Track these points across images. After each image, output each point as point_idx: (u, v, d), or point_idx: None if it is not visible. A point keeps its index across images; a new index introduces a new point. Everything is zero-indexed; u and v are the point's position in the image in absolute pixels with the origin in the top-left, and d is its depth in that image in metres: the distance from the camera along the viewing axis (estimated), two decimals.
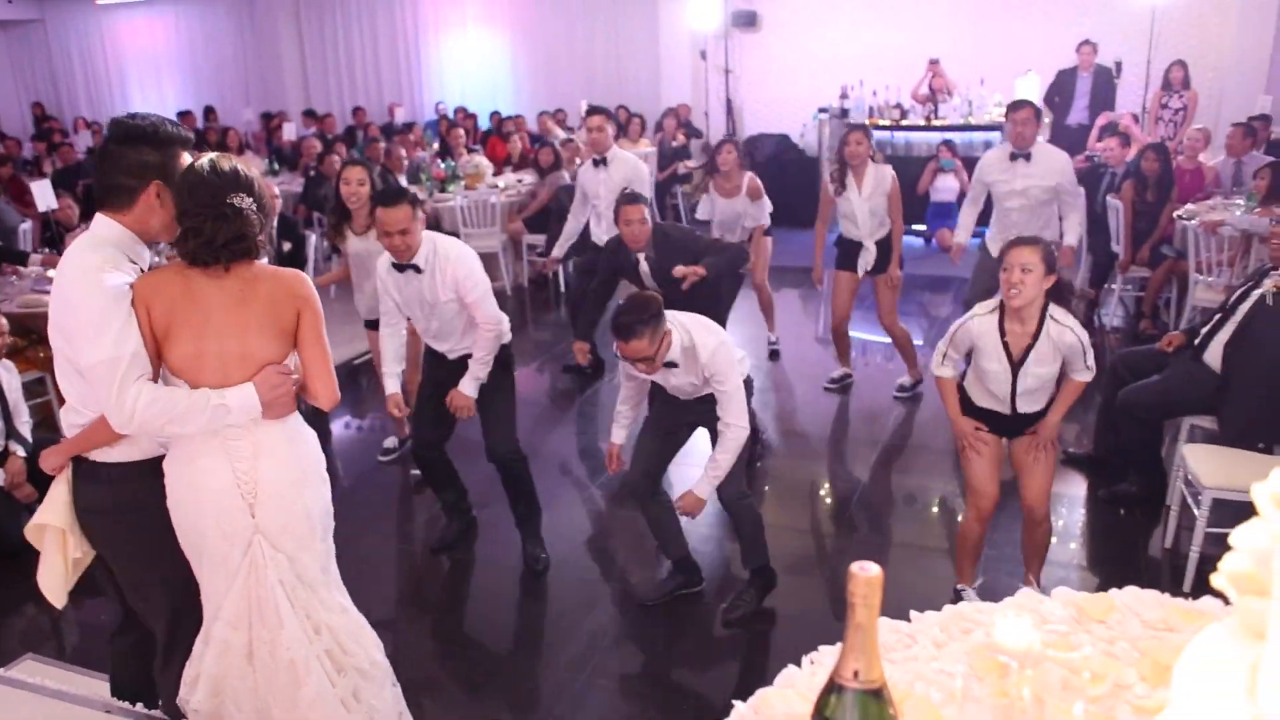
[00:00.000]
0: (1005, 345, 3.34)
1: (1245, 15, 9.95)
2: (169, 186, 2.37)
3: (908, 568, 4.16)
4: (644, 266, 4.64)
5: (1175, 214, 6.67)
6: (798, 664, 1.52)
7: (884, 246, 5.67)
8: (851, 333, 6.07)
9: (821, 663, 1.48)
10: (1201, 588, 1.34)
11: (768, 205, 6.34)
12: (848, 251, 5.76)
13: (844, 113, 10.52)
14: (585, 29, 13.23)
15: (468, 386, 3.97)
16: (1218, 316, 4.32)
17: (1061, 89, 9.83)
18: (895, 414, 5.77)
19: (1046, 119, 9.96)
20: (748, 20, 11.95)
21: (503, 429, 4.10)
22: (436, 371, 4.19)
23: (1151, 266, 6.87)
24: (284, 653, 2.42)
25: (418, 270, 3.87)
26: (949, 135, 9.97)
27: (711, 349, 3.46)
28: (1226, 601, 1.07)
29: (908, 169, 10.08)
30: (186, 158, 2.42)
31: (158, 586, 2.54)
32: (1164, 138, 8.71)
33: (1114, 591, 1.64)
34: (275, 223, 6.45)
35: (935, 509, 4.68)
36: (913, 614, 1.66)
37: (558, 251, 6.52)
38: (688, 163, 11.39)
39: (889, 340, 6.02)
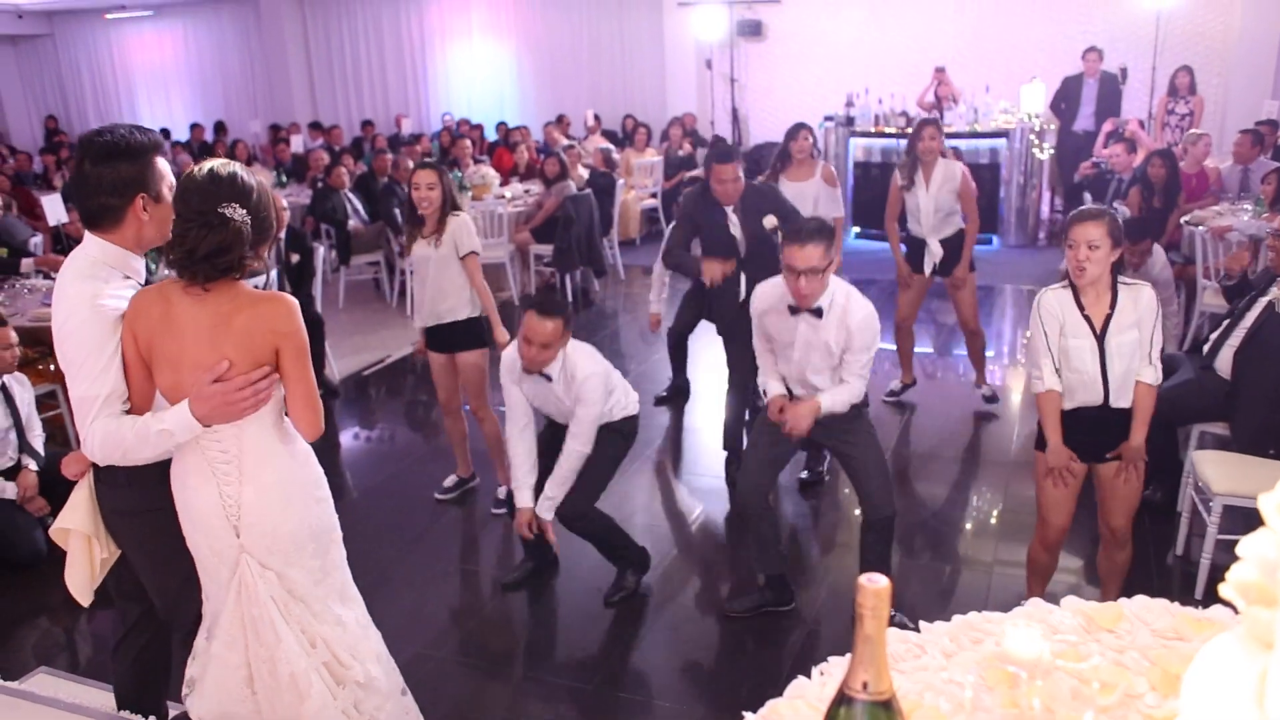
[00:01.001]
0: (1086, 318, 3.23)
1: (1249, 21, 9.95)
2: (152, 196, 2.35)
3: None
4: (733, 217, 4.64)
5: (1182, 219, 6.67)
6: (808, 675, 1.53)
7: (952, 245, 5.63)
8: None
9: (831, 674, 1.49)
10: (1213, 595, 1.34)
11: (840, 197, 6.15)
12: (914, 250, 5.73)
13: (849, 120, 10.53)
14: (591, 39, 13.29)
15: (543, 509, 3.83)
16: (1226, 323, 4.31)
17: (1067, 95, 9.84)
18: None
19: (1052, 126, 9.98)
20: (753, 29, 11.98)
21: (584, 494, 3.89)
22: (559, 435, 3.97)
23: None
24: (284, 668, 2.42)
25: (548, 379, 3.79)
26: (954, 142, 9.97)
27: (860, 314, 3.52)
28: (1237, 610, 1.07)
29: None
30: (162, 163, 2.40)
31: (182, 585, 2.56)
32: (1170, 143, 8.70)
33: (1123, 600, 1.64)
34: (284, 235, 6.51)
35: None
36: (922, 624, 1.66)
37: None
38: (693, 173, 11.41)
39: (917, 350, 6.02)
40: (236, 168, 2.32)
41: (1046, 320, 3.28)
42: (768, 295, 3.64)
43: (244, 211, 2.23)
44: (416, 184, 4.47)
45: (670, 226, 5.03)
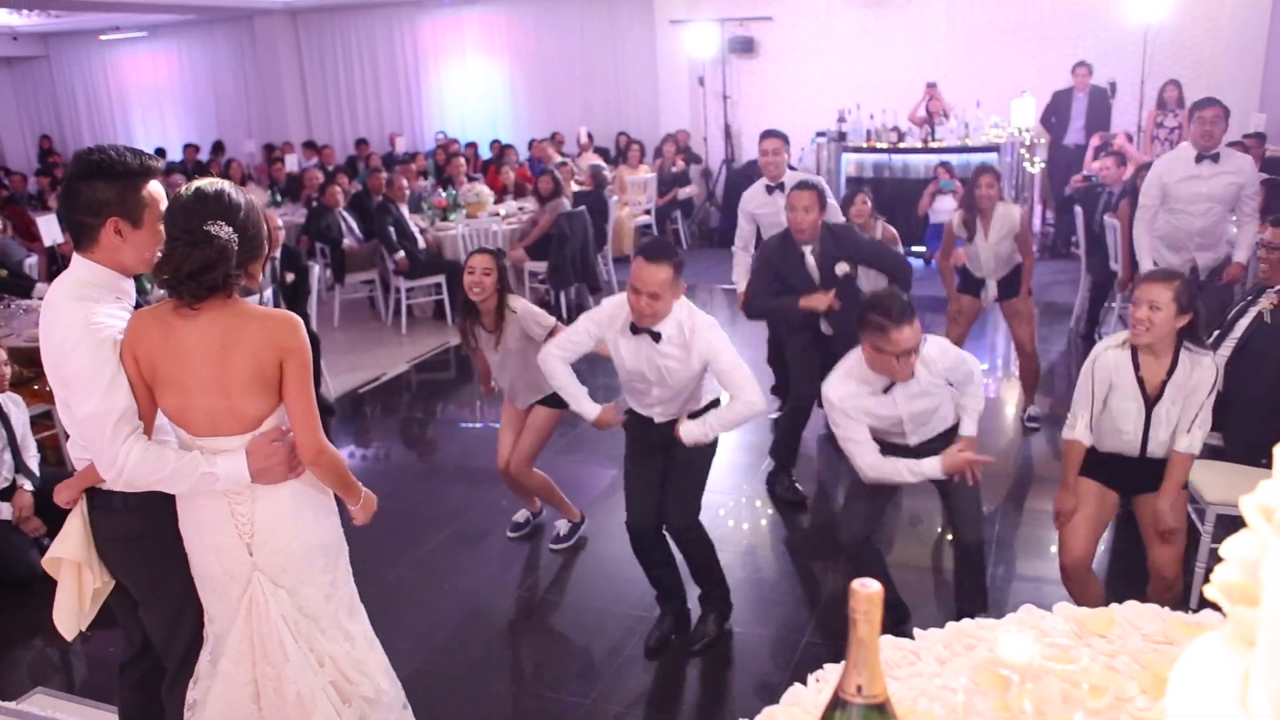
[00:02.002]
0: (1140, 381, 3.22)
1: (1236, 34, 10.05)
2: (129, 220, 2.32)
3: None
4: (810, 259, 4.59)
5: None
6: (804, 683, 1.54)
7: (1009, 277, 5.54)
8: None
9: (827, 680, 1.50)
10: (1207, 605, 1.37)
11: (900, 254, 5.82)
12: (970, 281, 5.65)
13: (842, 136, 10.60)
14: (584, 56, 13.37)
15: (689, 430, 3.52)
16: (1216, 334, 4.34)
17: (1058, 110, 9.92)
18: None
19: (1043, 140, 10.06)
20: (745, 46, 12.07)
21: (688, 498, 3.65)
22: (646, 436, 3.69)
23: None
24: (290, 687, 2.42)
25: (655, 338, 3.43)
26: (946, 157, 10.04)
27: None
28: (1224, 613, 1.09)
29: (906, 191, 10.18)
30: (150, 190, 2.35)
31: (177, 611, 2.56)
32: (1159, 155, 8.76)
33: (1114, 606, 1.66)
34: (279, 254, 6.53)
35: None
36: (916, 631, 1.68)
37: (742, 285, 5.58)
38: (687, 189, 11.49)
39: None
40: (224, 185, 2.31)
41: (1098, 378, 3.28)
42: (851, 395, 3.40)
43: (230, 229, 2.22)
44: (471, 268, 4.15)
45: (747, 277, 5.01)
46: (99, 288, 2.35)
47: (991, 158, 9.91)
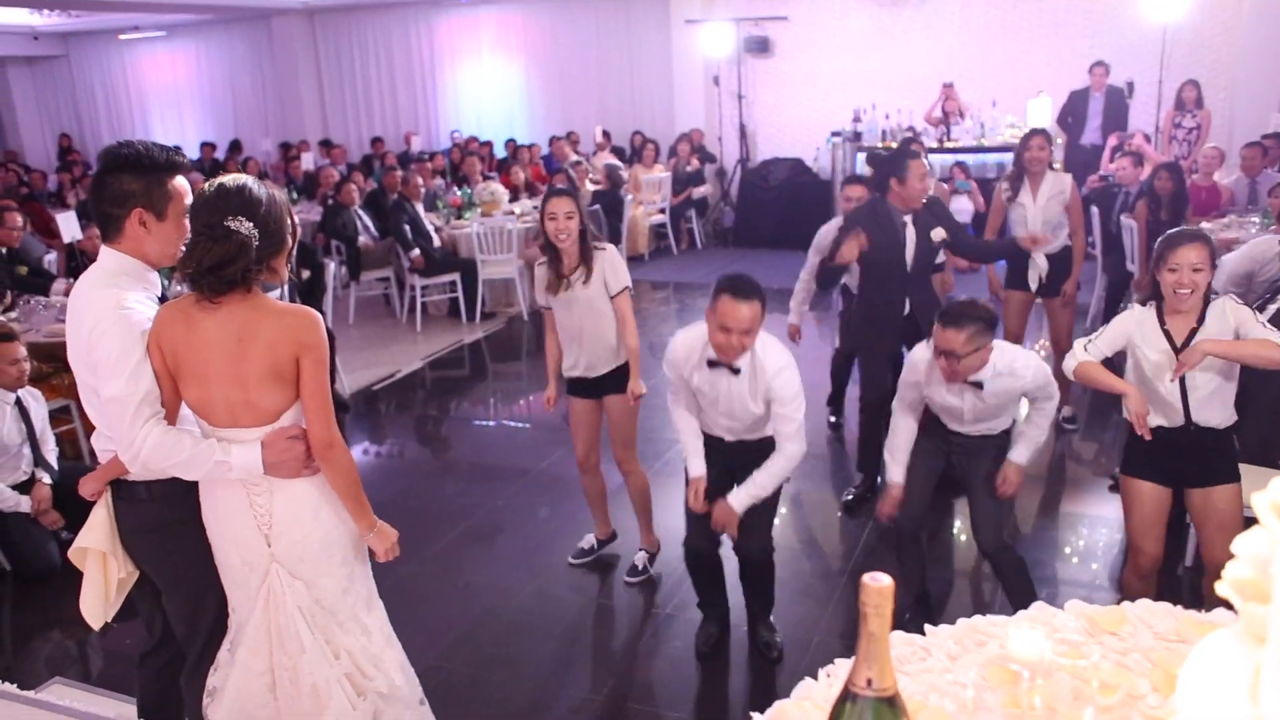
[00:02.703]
0: (1167, 333, 3.13)
1: (1254, 35, 9.98)
2: (153, 212, 2.39)
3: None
4: (911, 230, 4.50)
5: None
6: (815, 677, 1.55)
7: (1058, 261, 5.39)
8: None
9: (837, 675, 1.51)
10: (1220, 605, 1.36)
11: None
12: (1018, 267, 5.47)
13: (857, 136, 10.59)
14: (599, 56, 13.39)
15: (740, 500, 3.39)
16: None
17: (1074, 110, 9.87)
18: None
19: (1059, 140, 10.01)
20: (760, 46, 12.06)
21: (763, 523, 3.55)
22: (712, 457, 3.59)
23: None
24: (306, 677, 2.44)
25: (735, 371, 3.34)
26: (962, 157, 10.01)
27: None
28: (1236, 611, 1.09)
29: None
30: (176, 184, 2.43)
31: (200, 601, 2.60)
32: (1178, 157, 8.72)
33: (1126, 604, 1.66)
34: (294, 251, 6.56)
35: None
36: (927, 628, 1.68)
37: (795, 319, 5.54)
38: (701, 189, 11.49)
39: None
40: (247, 180, 2.36)
41: (1116, 329, 3.23)
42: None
43: (250, 224, 2.26)
44: (553, 213, 3.88)
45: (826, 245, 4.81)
46: (126, 276, 2.41)
47: (1007, 158, 9.88)
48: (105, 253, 2.44)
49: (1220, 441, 3.22)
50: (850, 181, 5.58)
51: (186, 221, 2.39)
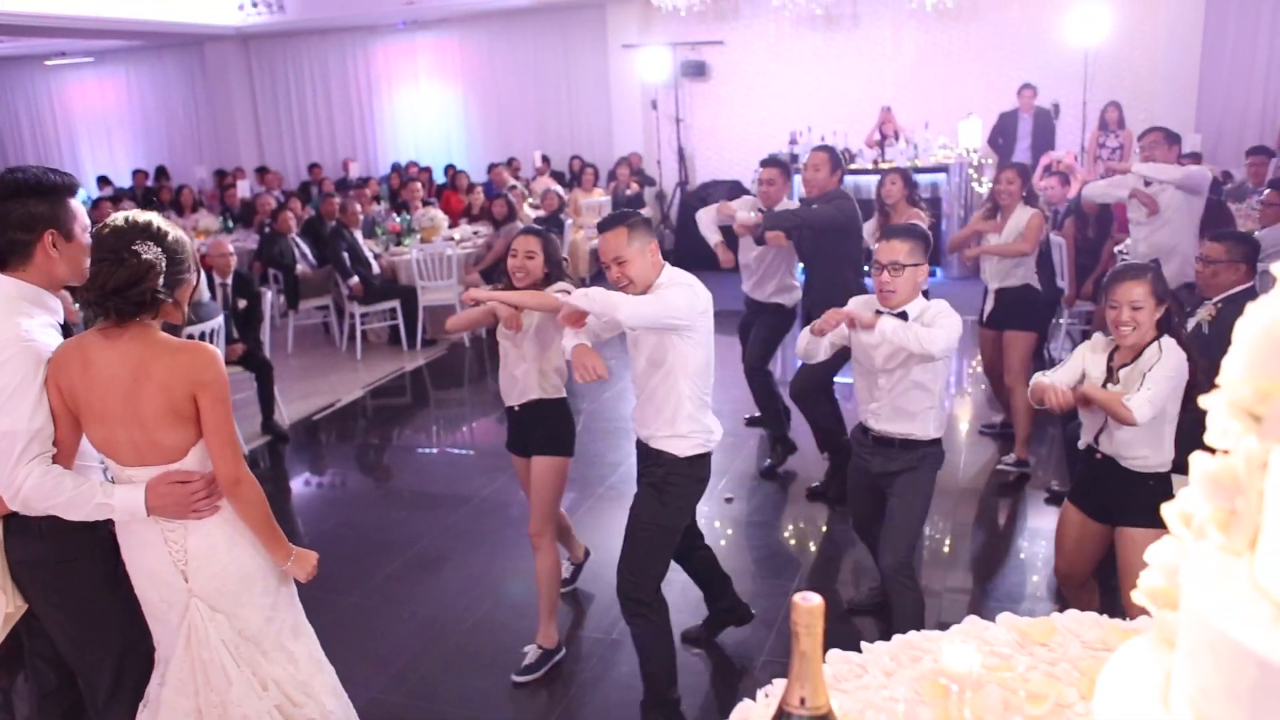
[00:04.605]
0: (1110, 357, 3.20)
1: (1170, 58, 10.38)
2: (62, 233, 2.38)
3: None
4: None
5: (1115, 248, 6.88)
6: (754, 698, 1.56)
7: (1010, 299, 5.37)
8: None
9: (775, 695, 1.52)
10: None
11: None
12: (983, 300, 5.59)
13: (793, 158, 10.73)
14: (537, 81, 13.44)
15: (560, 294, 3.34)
16: None
17: (1004, 131, 10.13)
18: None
19: (990, 160, 10.26)
20: (697, 70, 12.20)
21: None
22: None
23: (1095, 300, 7.06)
24: (235, 710, 2.41)
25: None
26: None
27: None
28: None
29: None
30: (75, 204, 2.44)
31: (97, 638, 2.54)
32: (1102, 175, 8.98)
33: (1055, 615, 1.70)
34: (231, 280, 6.47)
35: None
36: (864, 645, 1.71)
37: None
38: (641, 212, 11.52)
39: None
40: (153, 216, 2.38)
41: (1075, 357, 3.29)
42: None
43: (158, 249, 2.28)
44: (514, 250, 3.72)
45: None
46: (26, 303, 2.38)
47: (940, 178, 10.10)
48: (4, 280, 2.39)
49: (1136, 482, 3.18)
50: (765, 164, 5.69)
51: (87, 238, 2.41)
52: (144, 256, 2.24)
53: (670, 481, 3.25)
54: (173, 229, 2.38)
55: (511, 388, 3.85)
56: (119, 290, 2.23)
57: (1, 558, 2.48)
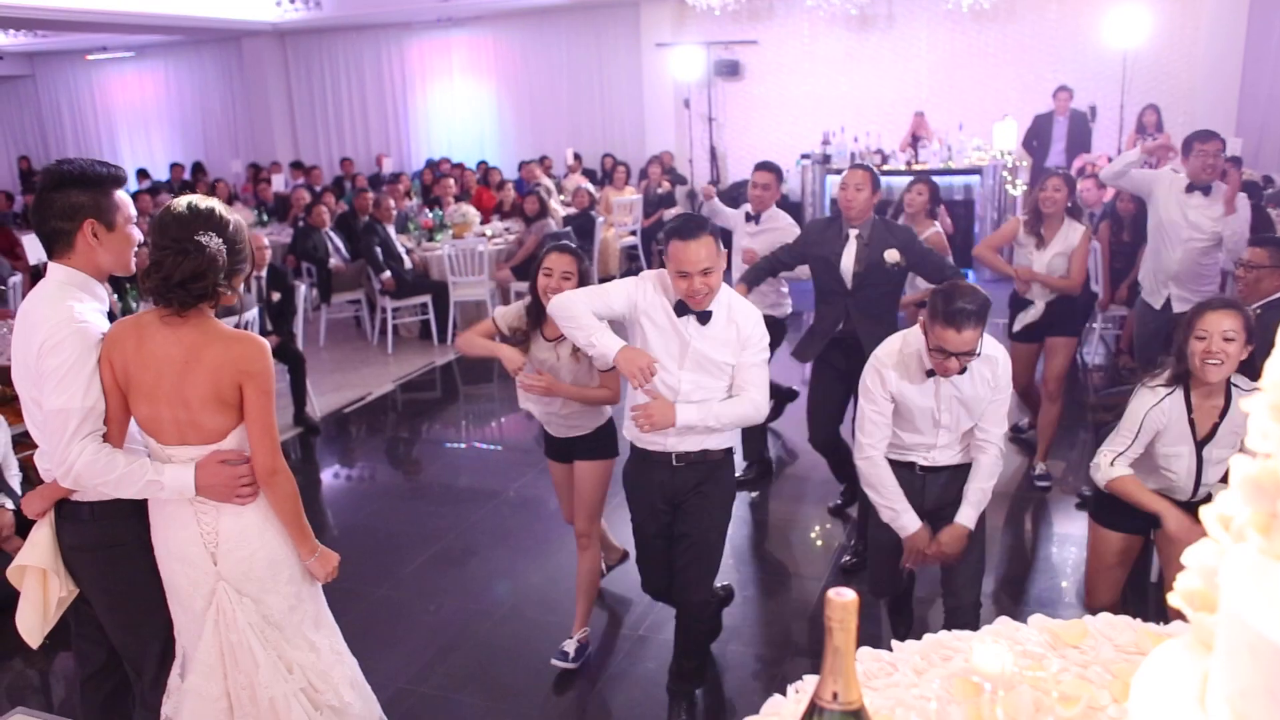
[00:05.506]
0: (1191, 422, 2.95)
1: (1211, 60, 10.24)
2: (103, 223, 2.42)
3: None
4: (852, 243, 4.31)
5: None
6: (784, 693, 1.57)
7: (1057, 309, 5.06)
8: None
9: (806, 690, 1.52)
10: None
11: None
12: (1019, 310, 5.20)
13: (826, 158, 10.70)
14: (571, 79, 13.47)
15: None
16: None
17: (1039, 133, 10.04)
18: None
19: (1025, 163, 10.17)
20: (730, 69, 12.18)
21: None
22: (657, 476, 3.28)
23: (1129, 304, 6.98)
24: (263, 693, 2.45)
25: (704, 319, 3.05)
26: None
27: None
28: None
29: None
30: (120, 195, 2.48)
31: (145, 622, 2.59)
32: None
33: (1087, 618, 1.69)
34: (265, 274, 6.54)
35: None
36: (894, 644, 1.71)
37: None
38: (672, 210, 11.54)
39: None
40: (215, 203, 2.41)
41: (1147, 426, 3.00)
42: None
43: (220, 240, 2.32)
44: (549, 269, 3.49)
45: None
46: (77, 289, 2.43)
47: (974, 180, 10.03)
48: (54, 268, 2.46)
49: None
50: (759, 168, 5.54)
51: (133, 230, 2.48)
52: (207, 249, 2.28)
53: (717, 479, 3.24)
54: (232, 216, 2.42)
55: (559, 423, 3.73)
56: (183, 283, 2.28)
57: (55, 543, 2.53)
